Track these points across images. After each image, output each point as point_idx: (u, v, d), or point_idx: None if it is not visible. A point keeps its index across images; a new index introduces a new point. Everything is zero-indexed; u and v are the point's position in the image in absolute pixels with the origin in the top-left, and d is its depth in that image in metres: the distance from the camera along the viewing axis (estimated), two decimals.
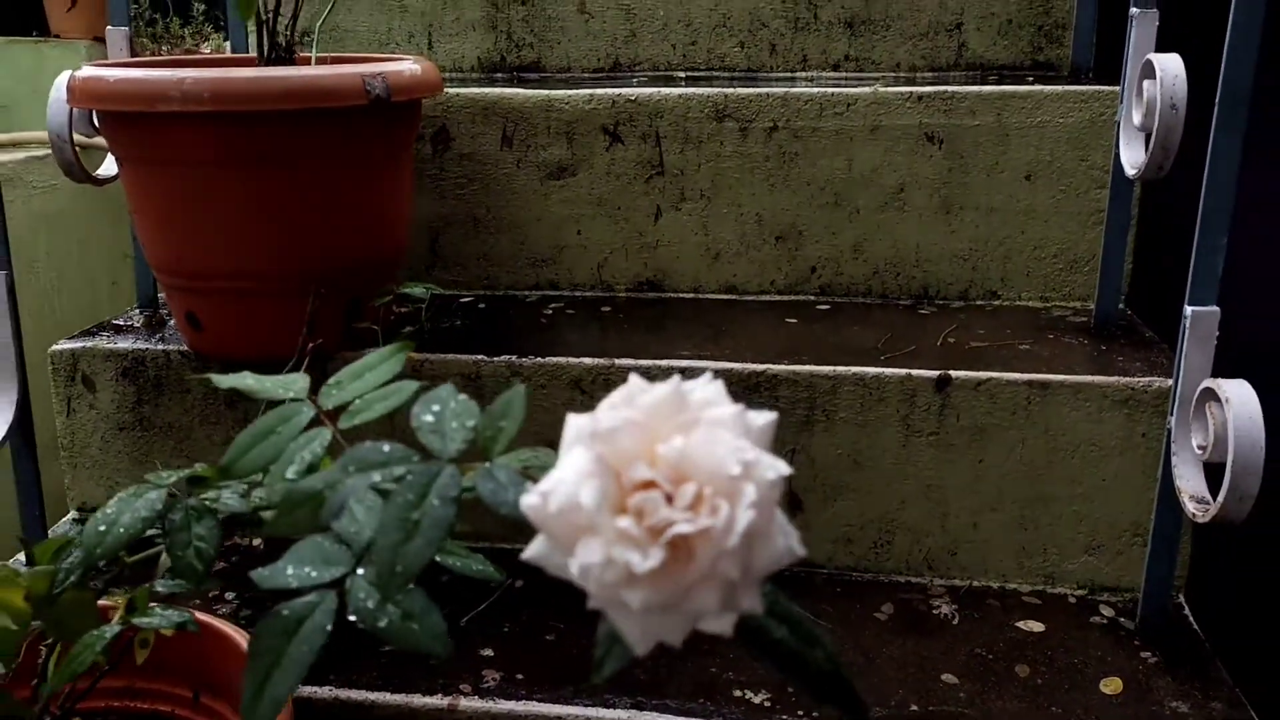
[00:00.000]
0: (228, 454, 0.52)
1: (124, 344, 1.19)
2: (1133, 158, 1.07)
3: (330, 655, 0.45)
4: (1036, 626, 1.02)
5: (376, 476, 0.41)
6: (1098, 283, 1.20)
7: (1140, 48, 1.07)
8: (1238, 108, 0.84)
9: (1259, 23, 0.83)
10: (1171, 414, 0.91)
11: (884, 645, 0.99)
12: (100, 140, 1.19)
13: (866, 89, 1.29)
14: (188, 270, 1.10)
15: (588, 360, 1.10)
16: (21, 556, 1.13)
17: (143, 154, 1.07)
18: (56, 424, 1.21)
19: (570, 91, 1.34)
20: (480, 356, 1.12)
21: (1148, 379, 1.03)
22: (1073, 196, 1.27)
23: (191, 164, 1.05)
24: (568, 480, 0.33)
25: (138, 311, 1.32)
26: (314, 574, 0.45)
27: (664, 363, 1.09)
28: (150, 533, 0.57)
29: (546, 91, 1.34)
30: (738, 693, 0.91)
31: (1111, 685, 0.92)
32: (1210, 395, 0.85)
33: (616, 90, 1.33)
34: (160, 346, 1.18)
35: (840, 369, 1.07)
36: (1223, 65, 0.84)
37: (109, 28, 1.26)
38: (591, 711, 0.89)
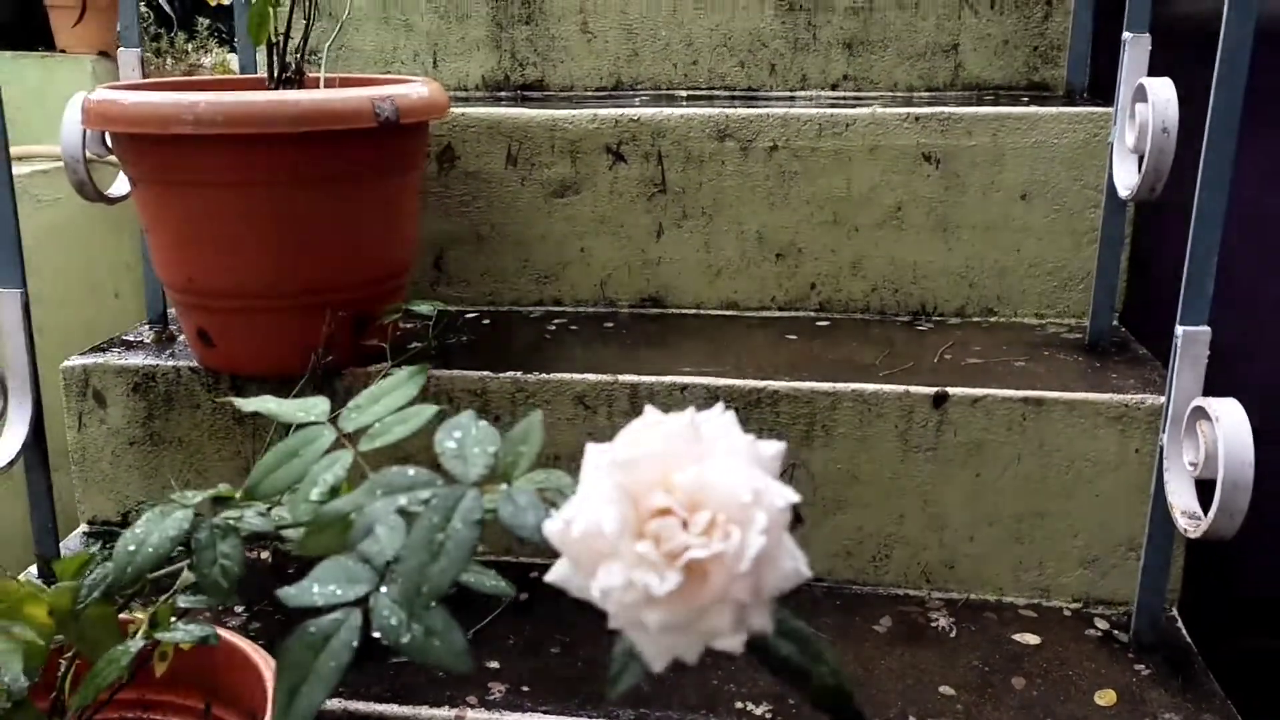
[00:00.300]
0: (252, 475, 0.54)
1: (135, 360, 1.21)
2: (1126, 179, 1.09)
3: None
4: (1032, 639, 1.04)
5: (403, 499, 0.43)
6: (1092, 300, 1.22)
7: (1133, 71, 1.09)
8: (1228, 132, 0.87)
9: (1247, 51, 0.85)
10: (1163, 431, 0.94)
11: (882, 657, 1.01)
12: (111, 158, 1.21)
13: (865, 109, 1.31)
14: (200, 288, 1.12)
15: (591, 376, 1.12)
16: (33, 569, 1.15)
17: (156, 175, 1.09)
18: (68, 438, 1.23)
19: (574, 111, 1.36)
20: (486, 373, 1.14)
21: (1141, 396, 1.05)
22: (1067, 216, 1.30)
23: (204, 185, 1.07)
24: (589, 507, 0.35)
25: (148, 327, 1.34)
26: (339, 592, 0.47)
27: (666, 379, 1.11)
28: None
29: (550, 111, 1.37)
30: (739, 705, 0.93)
31: (1106, 697, 0.94)
32: (1201, 414, 0.87)
33: (619, 110, 1.35)
34: (170, 362, 1.20)
35: (840, 385, 1.09)
36: (1212, 91, 0.86)
37: (120, 49, 1.28)
38: None
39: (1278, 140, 1.00)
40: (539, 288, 1.41)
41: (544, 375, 1.13)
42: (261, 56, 1.23)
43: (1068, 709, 0.93)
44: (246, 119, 1.02)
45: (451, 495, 0.44)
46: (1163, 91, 0.99)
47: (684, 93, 1.60)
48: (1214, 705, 0.93)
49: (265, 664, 0.82)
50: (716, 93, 1.60)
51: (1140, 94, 1.02)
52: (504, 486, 0.46)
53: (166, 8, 2.31)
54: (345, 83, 1.20)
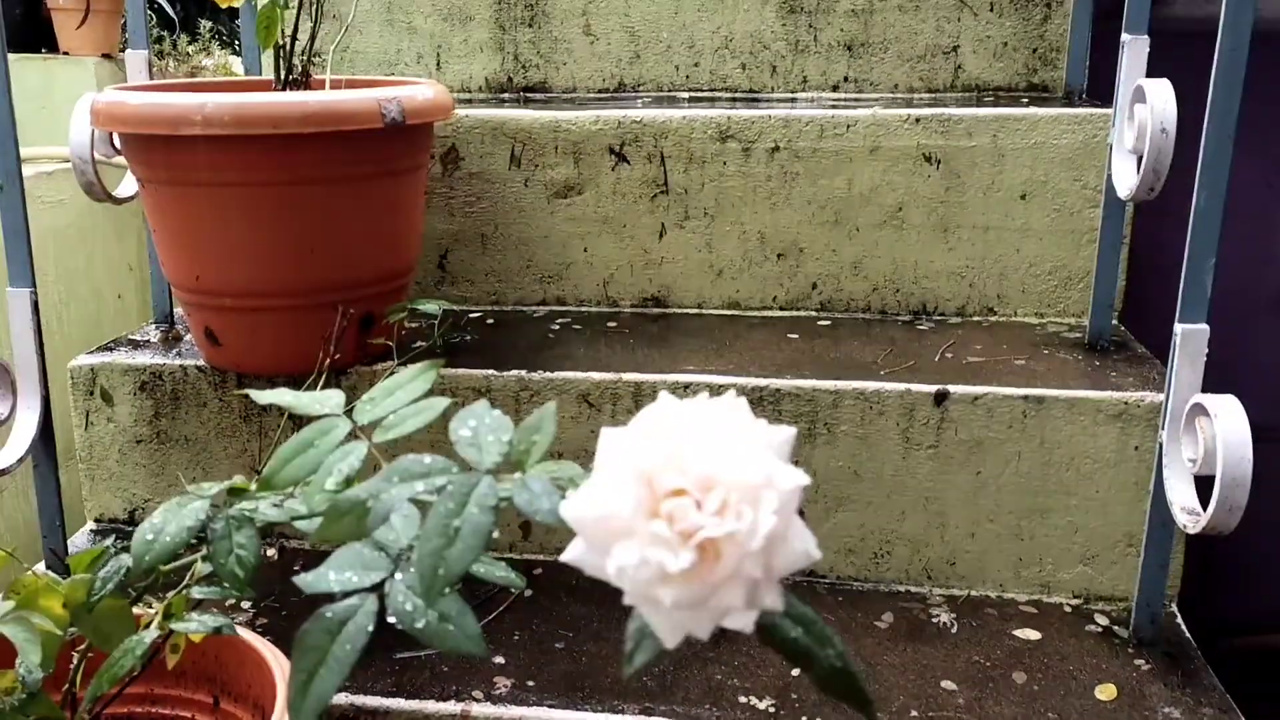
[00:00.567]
0: (269, 465, 0.55)
1: (142, 359, 1.22)
2: (1125, 179, 1.10)
3: None
4: (1033, 635, 1.05)
5: (419, 486, 0.44)
6: (1091, 299, 1.23)
7: (1131, 73, 1.10)
8: (1225, 133, 0.88)
9: (1245, 52, 0.86)
10: (1163, 428, 0.95)
11: (885, 653, 1.02)
12: (117, 159, 1.22)
13: (866, 111, 1.33)
14: (207, 287, 1.13)
15: (595, 375, 1.13)
16: (40, 566, 1.16)
17: (164, 175, 1.10)
18: (75, 437, 1.24)
19: (577, 113, 1.37)
20: (491, 371, 1.15)
21: (1140, 394, 1.06)
22: (1067, 216, 1.31)
23: (212, 185, 1.08)
24: (606, 488, 0.36)
25: (154, 327, 1.35)
26: (355, 579, 0.48)
27: (669, 377, 1.12)
28: None
29: (554, 113, 1.38)
30: (743, 699, 0.94)
31: (1106, 692, 0.95)
32: (1200, 410, 0.88)
33: (622, 112, 1.36)
34: (177, 361, 1.21)
35: (841, 384, 1.10)
36: (1210, 92, 0.87)
37: (128, 51, 1.29)
38: (602, 717, 0.92)
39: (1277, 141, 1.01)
40: (542, 287, 1.42)
41: (548, 374, 1.14)
42: (267, 59, 1.25)
43: (1068, 703, 0.94)
44: (255, 120, 1.03)
45: (467, 481, 0.44)
46: (1161, 92, 1.00)
47: (686, 94, 1.62)
48: (1213, 699, 0.94)
49: (274, 659, 0.83)
50: (718, 94, 1.61)
51: (1139, 95, 1.03)
52: (518, 475, 0.47)
53: (168, 9, 2.33)
54: (350, 84, 1.21)
